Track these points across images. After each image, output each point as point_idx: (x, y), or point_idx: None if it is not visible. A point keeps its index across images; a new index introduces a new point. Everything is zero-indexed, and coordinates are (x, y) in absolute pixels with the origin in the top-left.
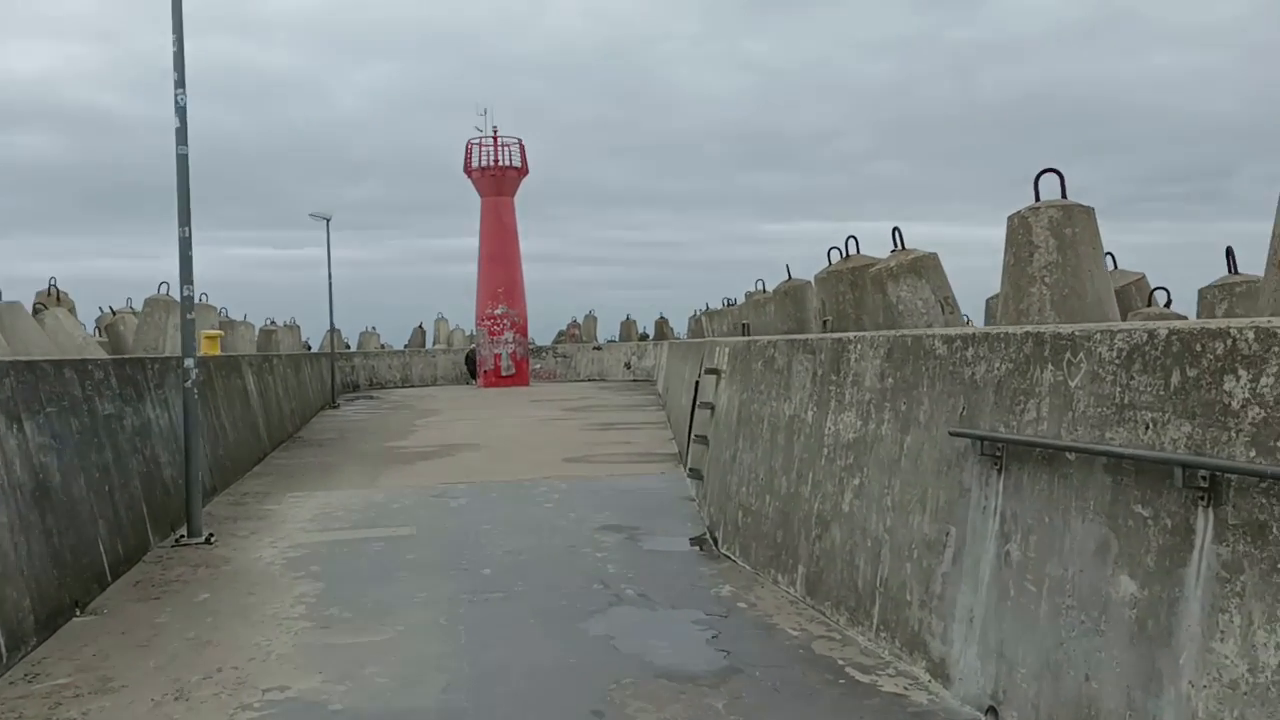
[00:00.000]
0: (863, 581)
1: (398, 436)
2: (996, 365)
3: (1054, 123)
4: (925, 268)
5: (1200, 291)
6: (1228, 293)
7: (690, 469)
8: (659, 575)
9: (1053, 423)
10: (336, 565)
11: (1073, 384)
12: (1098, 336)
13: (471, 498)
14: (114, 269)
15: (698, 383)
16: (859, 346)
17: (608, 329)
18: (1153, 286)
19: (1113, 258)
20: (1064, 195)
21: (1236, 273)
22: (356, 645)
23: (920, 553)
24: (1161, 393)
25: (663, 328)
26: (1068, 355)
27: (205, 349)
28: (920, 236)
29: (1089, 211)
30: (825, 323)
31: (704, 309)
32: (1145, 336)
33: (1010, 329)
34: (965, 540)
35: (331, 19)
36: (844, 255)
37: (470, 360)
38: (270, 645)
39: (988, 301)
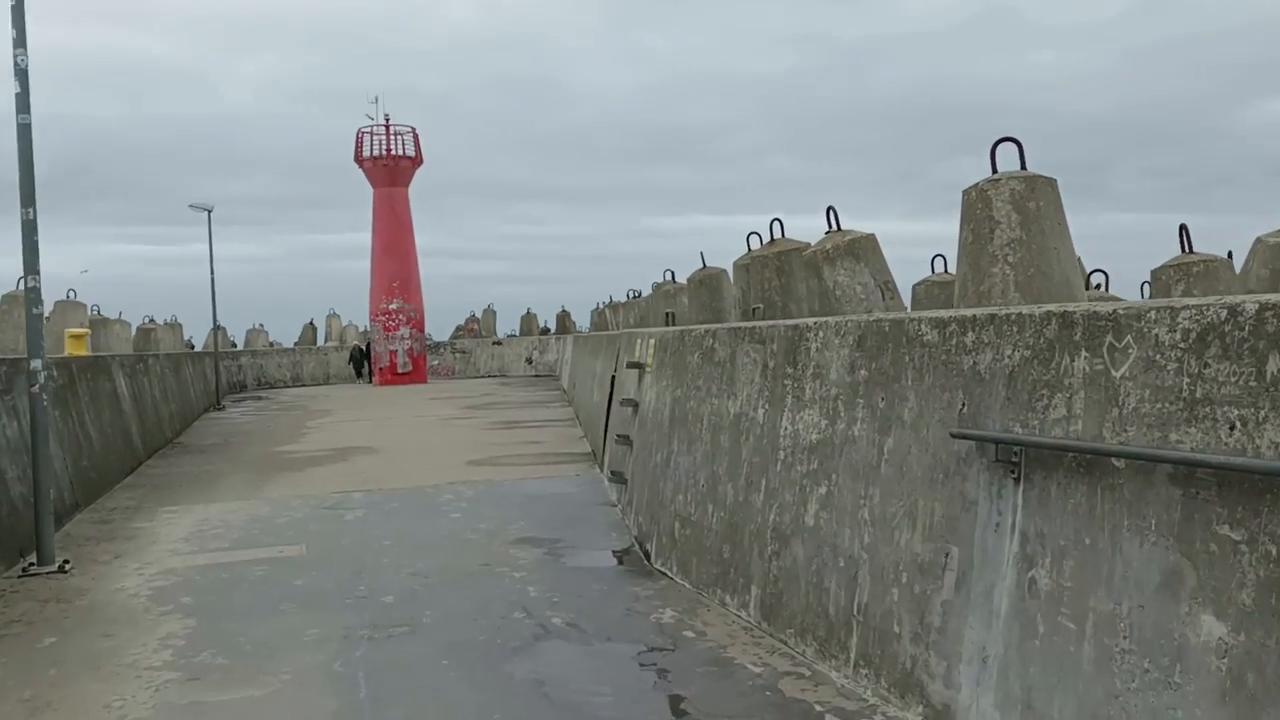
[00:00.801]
0: (835, 608)
1: (287, 440)
2: (1008, 353)
3: (941, 118)
4: (863, 250)
5: (1154, 273)
6: (1184, 273)
7: (611, 472)
8: (588, 598)
9: (1090, 422)
10: (212, 596)
11: (1117, 374)
12: (1152, 316)
13: (369, 508)
14: None
15: (614, 378)
16: (821, 334)
17: (507, 323)
18: (1088, 270)
19: None
20: (1023, 166)
21: (1191, 251)
22: (231, 704)
23: (911, 576)
24: (1253, 384)
25: (565, 321)
26: (1109, 339)
27: (70, 349)
28: (814, 229)
29: (1052, 183)
30: (754, 311)
31: (607, 301)
32: (1224, 314)
33: (1026, 309)
34: (972, 563)
35: (216, 8)
36: (764, 241)
37: (356, 358)
38: (124, 707)
39: (914, 288)
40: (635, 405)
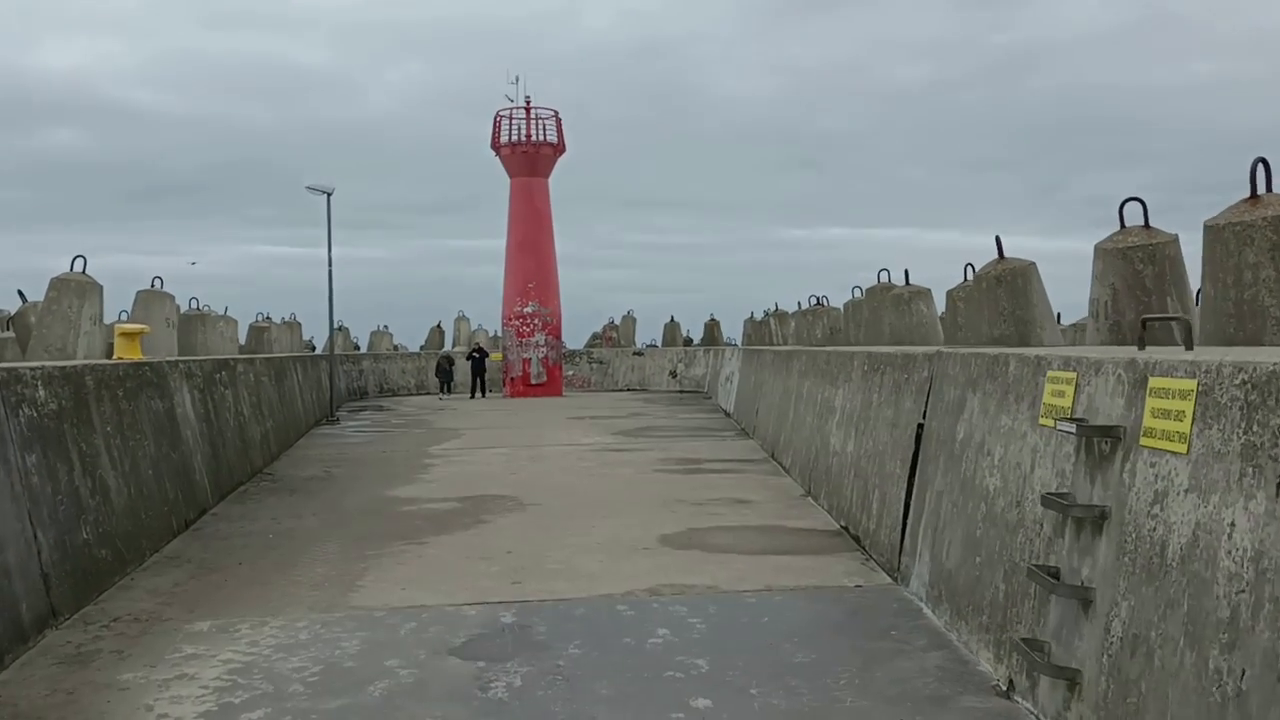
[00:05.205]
0: None
1: (403, 477)
2: None
3: (1089, 130)
4: None
5: None
6: None
7: (1023, 641)
8: None
9: None
10: None
11: None
12: None
13: (531, 659)
14: (142, 264)
15: (921, 426)
16: None
17: (646, 332)
18: None
19: None
20: None
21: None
22: None
23: None
24: None
25: (714, 331)
26: None
27: (121, 351)
28: (948, 244)
29: None
30: None
31: (773, 309)
32: None
33: None
34: None
35: (364, 17)
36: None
37: (444, 368)
38: None
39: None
40: (1099, 516)
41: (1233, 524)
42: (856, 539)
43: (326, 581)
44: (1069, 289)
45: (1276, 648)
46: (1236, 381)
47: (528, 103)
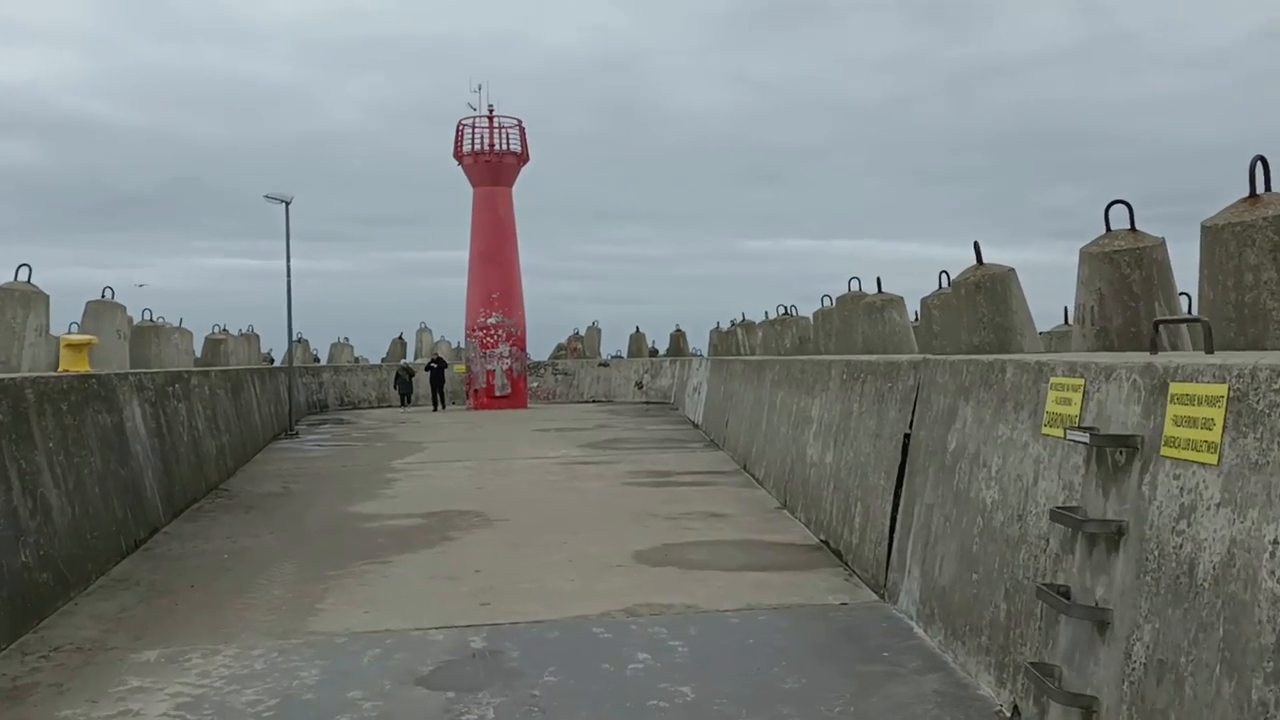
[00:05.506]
0: None
1: (365, 493)
2: None
3: (1044, 144)
4: None
5: None
6: None
7: (1033, 669)
8: None
9: None
10: None
11: None
12: None
13: (504, 688)
14: (95, 277)
15: (908, 436)
16: None
17: (611, 343)
18: None
19: None
20: None
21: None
22: None
23: None
24: None
25: (680, 342)
26: None
27: (67, 364)
28: (906, 255)
29: None
30: None
31: (740, 319)
32: None
33: None
34: None
35: (324, 31)
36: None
37: (403, 379)
38: None
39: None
40: (1116, 531)
41: (1275, 541)
42: (838, 553)
43: (284, 605)
44: (1029, 299)
45: None
46: (1276, 387)
47: (491, 111)
